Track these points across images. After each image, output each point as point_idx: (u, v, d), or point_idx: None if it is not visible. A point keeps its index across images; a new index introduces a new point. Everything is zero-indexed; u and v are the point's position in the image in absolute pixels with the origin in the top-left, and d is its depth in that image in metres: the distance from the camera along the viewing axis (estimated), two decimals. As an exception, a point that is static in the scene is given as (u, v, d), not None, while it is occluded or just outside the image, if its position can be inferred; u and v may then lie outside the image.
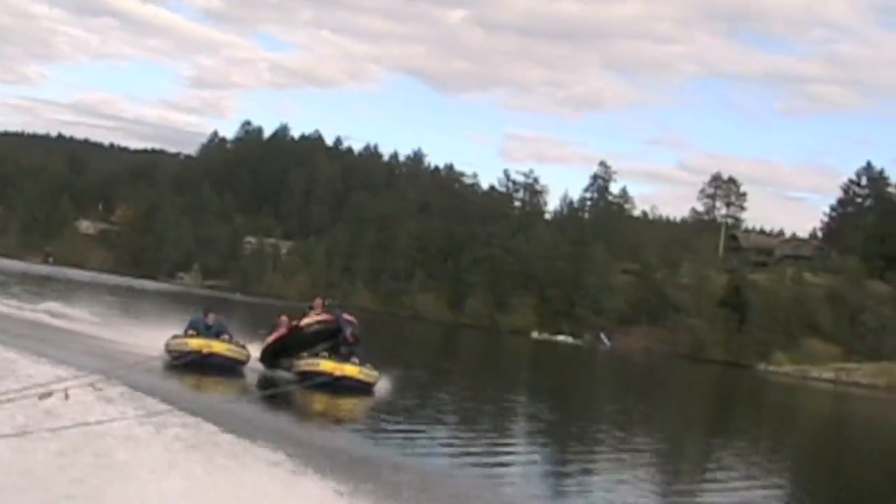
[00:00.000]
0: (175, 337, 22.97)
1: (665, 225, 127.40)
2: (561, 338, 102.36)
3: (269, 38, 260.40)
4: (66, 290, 51.16)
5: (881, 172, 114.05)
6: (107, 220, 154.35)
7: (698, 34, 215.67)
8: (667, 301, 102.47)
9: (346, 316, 23.60)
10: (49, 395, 8.36)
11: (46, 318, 30.18)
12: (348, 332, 22.85)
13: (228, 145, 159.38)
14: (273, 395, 19.53)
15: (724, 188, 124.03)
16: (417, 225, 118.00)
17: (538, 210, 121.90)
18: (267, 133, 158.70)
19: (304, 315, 23.60)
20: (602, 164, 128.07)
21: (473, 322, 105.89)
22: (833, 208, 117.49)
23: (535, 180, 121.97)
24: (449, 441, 18.13)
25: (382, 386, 23.04)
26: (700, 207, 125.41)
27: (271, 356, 23.86)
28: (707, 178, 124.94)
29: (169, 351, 22.31)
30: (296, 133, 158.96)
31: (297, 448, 12.62)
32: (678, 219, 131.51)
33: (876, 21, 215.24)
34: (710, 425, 33.44)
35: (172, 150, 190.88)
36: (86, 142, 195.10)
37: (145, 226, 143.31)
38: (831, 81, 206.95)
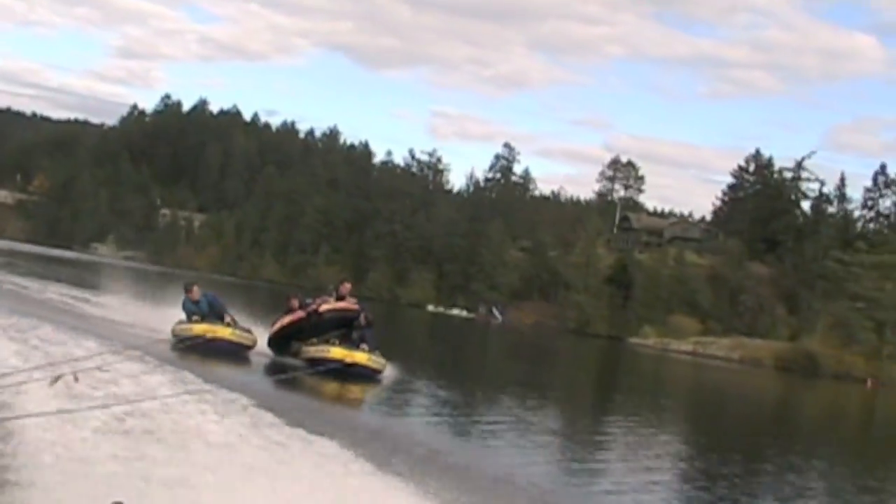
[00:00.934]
0: (180, 322, 23.17)
1: (566, 205, 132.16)
2: (455, 311, 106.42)
3: (198, 10, 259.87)
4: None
5: (770, 160, 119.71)
6: (24, 191, 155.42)
7: (625, 16, 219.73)
8: (558, 278, 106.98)
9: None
10: (58, 378, 8.08)
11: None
12: (363, 314, 23.24)
13: (147, 118, 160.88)
14: (283, 379, 19.45)
15: (623, 171, 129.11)
16: (324, 200, 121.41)
17: (440, 188, 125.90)
18: (186, 107, 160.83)
19: (323, 298, 23.81)
20: (506, 145, 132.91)
21: (374, 294, 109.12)
22: (725, 192, 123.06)
23: (439, 160, 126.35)
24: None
25: (389, 373, 23.65)
26: (597, 188, 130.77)
27: (282, 340, 23.73)
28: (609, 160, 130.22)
29: (175, 335, 22.57)
30: (215, 107, 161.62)
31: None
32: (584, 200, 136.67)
33: (801, 7, 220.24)
34: (593, 388, 39.84)
35: (97, 120, 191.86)
36: (7, 111, 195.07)
37: (62, 196, 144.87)
38: (755, 66, 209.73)
